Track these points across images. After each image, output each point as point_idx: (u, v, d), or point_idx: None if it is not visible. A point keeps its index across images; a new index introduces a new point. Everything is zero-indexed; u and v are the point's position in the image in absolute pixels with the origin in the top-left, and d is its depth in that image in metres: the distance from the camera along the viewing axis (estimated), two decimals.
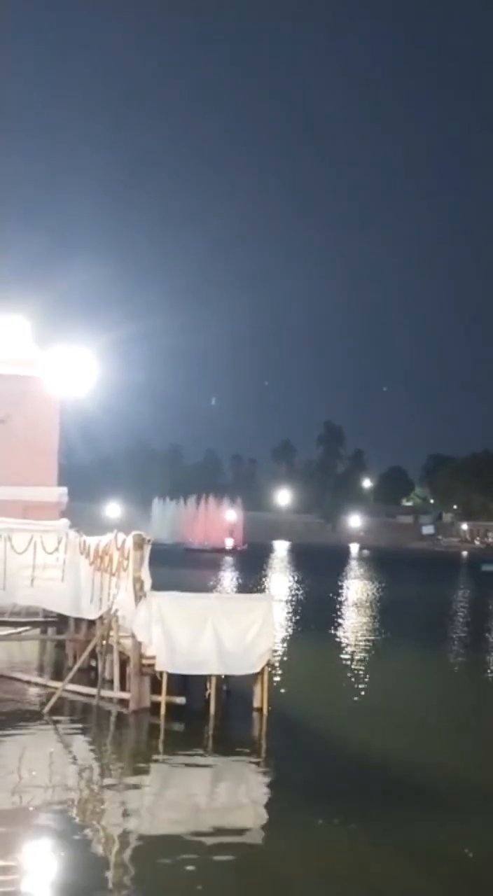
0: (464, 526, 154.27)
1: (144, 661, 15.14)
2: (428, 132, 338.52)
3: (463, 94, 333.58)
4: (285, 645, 23.64)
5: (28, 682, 17.21)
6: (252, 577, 51.74)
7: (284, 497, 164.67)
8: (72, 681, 15.96)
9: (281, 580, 52.69)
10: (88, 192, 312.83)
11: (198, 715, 14.99)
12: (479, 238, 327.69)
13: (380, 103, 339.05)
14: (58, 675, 17.46)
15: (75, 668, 16.29)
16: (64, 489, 27.57)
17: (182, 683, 15.59)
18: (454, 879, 9.36)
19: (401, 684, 20.35)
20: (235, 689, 16.15)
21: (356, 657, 23.17)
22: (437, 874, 9.47)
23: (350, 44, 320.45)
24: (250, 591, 36.34)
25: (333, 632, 28.12)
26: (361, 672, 20.89)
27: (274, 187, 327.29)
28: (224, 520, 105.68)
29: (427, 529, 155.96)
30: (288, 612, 32.84)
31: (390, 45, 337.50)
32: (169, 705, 14.86)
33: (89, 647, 16.59)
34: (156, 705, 14.95)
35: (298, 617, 31.92)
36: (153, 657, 15.05)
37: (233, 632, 15.38)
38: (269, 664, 15.79)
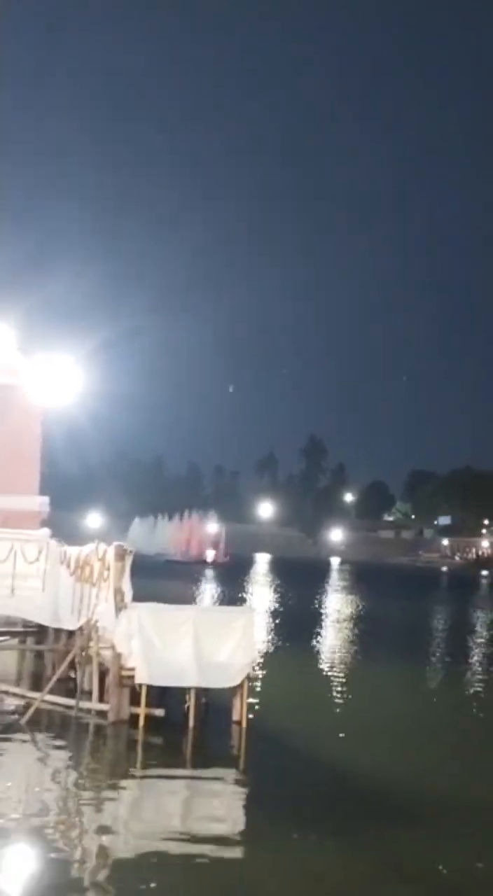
0: (445, 541, 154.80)
1: (124, 673, 15.06)
2: (421, 136, 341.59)
3: (458, 96, 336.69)
4: (265, 658, 23.57)
5: (6, 693, 17.04)
6: (233, 590, 51.64)
7: (266, 510, 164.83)
8: (50, 692, 15.85)
9: (262, 593, 52.62)
10: (72, 199, 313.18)
11: (177, 727, 14.91)
12: (466, 251, 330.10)
13: (373, 105, 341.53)
14: (36, 685, 17.30)
15: (54, 678, 16.17)
16: (45, 498, 27.38)
17: (161, 695, 15.51)
18: (429, 894, 9.34)
19: (381, 698, 20.36)
20: (214, 702, 16.08)
21: (336, 671, 23.15)
22: (411, 889, 9.45)
23: (340, 49, 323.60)
24: (231, 604, 36.27)
25: (313, 645, 28.10)
26: (341, 686, 20.86)
27: (257, 197, 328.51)
28: (205, 532, 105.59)
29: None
30: (269, 625, 32.79)
31: (381, 48, 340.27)
32: (148, 717, 14.78)
33: (68, 658, 16.47)
34: (135, 717, 14.87)
35: (278, 630, 31.86)
36: (133, 669, 14.97)
37: (213, 644, 15.33)
38: (249, 677, 15.73)
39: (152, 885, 8.91)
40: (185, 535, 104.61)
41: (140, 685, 14.91)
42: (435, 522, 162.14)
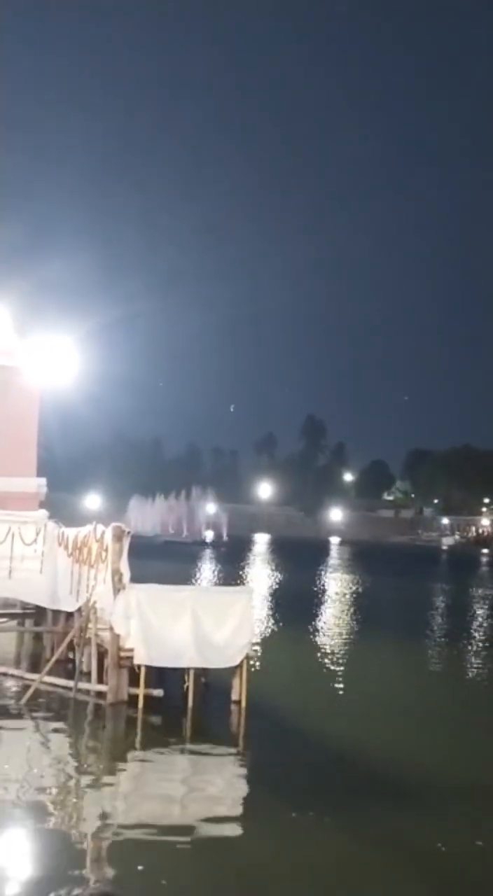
0: (444, 520, 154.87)
1: (122, 654, 15.05)
2: (411, 121, 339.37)
3: (447, 87, 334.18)
4: (264, 638, 23.60)
5: (5, 675, 17.08)
6: (232, 570, 51.71)
7: (265, 490, 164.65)
8: (49, 673, 15.85)
9: (261, 573, 52.70)
10: (68, 181, 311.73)
11: (176, 708, 14.92)
12: (461, 230, 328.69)
13: (363, 93, 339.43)
14: (35, 667, 17.33)
15: (53, 660, 16.18)
16: (43, 480, 27.40)
17: (160, 676, 15.52)
18: (428, 873, 9.36)
19: (380, 678, 20.38)
20: (213, 683, 16.09)
21: (336, 650, 23.17)
22: (411, 868, 9.46)
23: (331, 34, 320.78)
24: (230, 584, 36.31)
25: (312, 625, 28.12)
26: (340, 665, 20.89)
27: (255, 179, 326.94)
28: (204, 513, 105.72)
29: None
30: (268, 605, 32.82)
31: (372, 40, 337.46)
32: (147, 698, 14.79)
33: (67, 640, 16.48)
34: (133, 698, 14.88)
35: (277, 610, 31.89)
36: (131, 650, 14.97)
37: (212, 625, 15.32)
38: (248, 657, 15.73)
39: (150, 863, 8.91)
40: (183, 516, 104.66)
41: (139, 666, 14.91)
42: (434, 501, 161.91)
